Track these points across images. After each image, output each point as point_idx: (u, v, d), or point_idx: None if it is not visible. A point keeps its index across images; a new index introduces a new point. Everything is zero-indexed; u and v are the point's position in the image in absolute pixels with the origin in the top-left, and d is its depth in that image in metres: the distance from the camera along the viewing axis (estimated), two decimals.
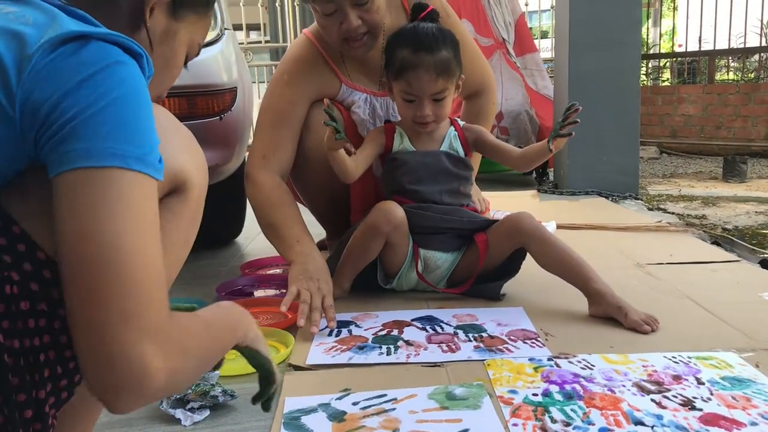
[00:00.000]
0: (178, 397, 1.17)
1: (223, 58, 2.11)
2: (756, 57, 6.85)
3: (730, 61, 7.56)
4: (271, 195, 1.78)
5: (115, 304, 0.66)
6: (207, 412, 1.17)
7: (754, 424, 1.06)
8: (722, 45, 6.45)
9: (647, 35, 7.50)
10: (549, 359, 1.32)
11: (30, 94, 0.67)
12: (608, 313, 1.52)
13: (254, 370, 0.93)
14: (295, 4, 6.83)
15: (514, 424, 1.07)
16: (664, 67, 7.68)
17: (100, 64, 0.69)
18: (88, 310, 0.66)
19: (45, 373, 0.70)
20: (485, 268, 1.72)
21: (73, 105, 0.67)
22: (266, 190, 1.78)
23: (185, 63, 0.96)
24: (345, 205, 1.99)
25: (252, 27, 7.01)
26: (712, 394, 1.16)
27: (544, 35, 7.84)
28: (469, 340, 1.43)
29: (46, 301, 0.70)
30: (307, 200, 2.09)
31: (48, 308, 0.70)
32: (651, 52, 7.79)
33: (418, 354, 1.37)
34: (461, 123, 1.84)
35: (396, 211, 1.66)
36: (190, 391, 1.17)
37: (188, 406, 1.16)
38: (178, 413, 1.15)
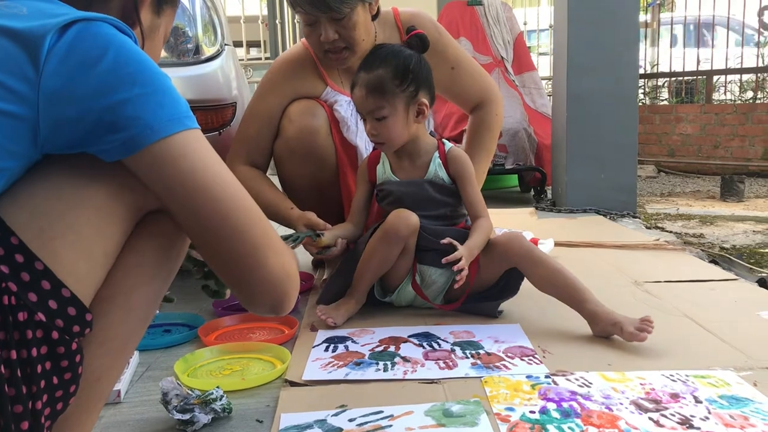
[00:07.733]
0: (183, 404, 1.16)
1: (223, 73, 2.12)
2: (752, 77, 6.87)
3: (727, 81, 7.59)
4: (254, 181, 1.96)
5: (250, 236, 0.78)
6: (209, 418, 1.17)
7: None
8: (719, 65, 6.48)
9: (645, 55, 7.53)
10: (546, 376, 1.32)
11: (51, 81, 0.70)
12: (608, 332, 1.51)
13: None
14: (296, 21, 6.88)
15: None
16: (663, 86, 7.71)
17: (113, 45, 0.74)
18: (228, 251, 0.78)
19: (41, 384, 0.70)
20: (481, 286, 1.72)
21: (107, 90, 0.72)
22: (249, 179, 1.94)
23: None
24: (336, 203, 1.99)
25: (252, 44, 7.06)
26: (710, 412, 1.15)
27: (542, 54, 7.88)
28: (466, 357, 1.43)
29: (44, 312, 0.70)
30: (297, 197, 2.03)
31: (46, 318, 0.70)
32: (649, 71, 7.83)
33: (415, 370, 1.36)
34: (448, 149, 1.77)
35: (412, 216, 1.67)
36: (194, 396, 1.17)
37: (194, 413, 1.15)
38: (197, 413, 1.15)
